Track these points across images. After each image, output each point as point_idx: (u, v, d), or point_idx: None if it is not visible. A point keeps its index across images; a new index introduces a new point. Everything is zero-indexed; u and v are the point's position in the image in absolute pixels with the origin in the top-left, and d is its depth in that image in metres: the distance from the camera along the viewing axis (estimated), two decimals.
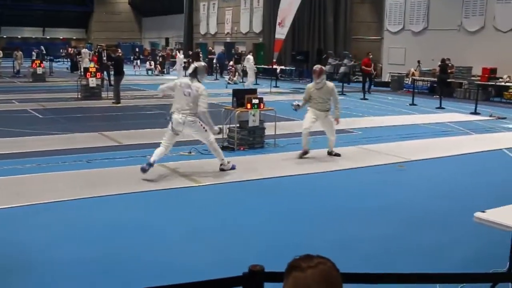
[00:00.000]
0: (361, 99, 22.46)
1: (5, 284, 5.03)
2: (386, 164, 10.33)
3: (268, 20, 36.62)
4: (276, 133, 11.81)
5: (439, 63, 24.20)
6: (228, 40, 43.09)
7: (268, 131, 11.73)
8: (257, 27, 39.25)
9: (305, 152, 10.68)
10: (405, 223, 7.05)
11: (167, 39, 56.46)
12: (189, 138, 11.77)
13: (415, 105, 20.50)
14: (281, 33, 26.47)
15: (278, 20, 26.67)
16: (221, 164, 9.37)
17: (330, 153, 10.90)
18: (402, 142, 12.67)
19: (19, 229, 6.51)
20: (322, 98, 10.46)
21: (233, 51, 34.68)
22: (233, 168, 9.47)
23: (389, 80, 29.01)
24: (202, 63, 9.64)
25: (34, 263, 5.47)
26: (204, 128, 8.98)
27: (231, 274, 2.61)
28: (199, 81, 9.00)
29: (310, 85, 10.79)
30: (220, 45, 43.18)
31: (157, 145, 11.08)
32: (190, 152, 10.75)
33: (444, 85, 23.52)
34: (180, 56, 31.35)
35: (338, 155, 10.87)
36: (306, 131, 10.58)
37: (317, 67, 10.78)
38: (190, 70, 9.21)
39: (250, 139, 11.43)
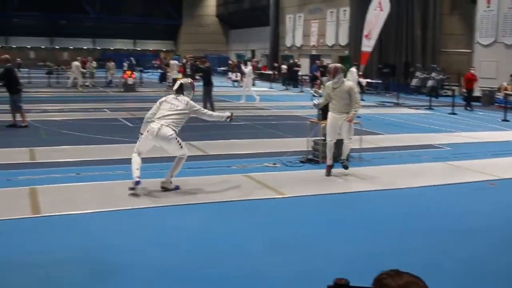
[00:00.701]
0: (450, 113, 21.81)
1: (102, 283, 5.21)
2: (476, 181, 9.97)
3: (354, 32, 36.31)
4: (362, 146, 11.66)
5: None
6: (313, 52, 43.05)
7: (353, 145, 11.58)
8: (343, 40, 39.04)
9: (331, 168, 10.10)
10: (497, 244, 6.77)
11: (253, 51, 57.06)
12: (266, 150, 11.85)
13: (508, 121, 19.69)
14: (367, 45, 26.23)
15: (365, 33, 26.46)
16: (164, 182, 8.69)
17: (342, 162, 10.20)
18: (493, 159, 12.19)
19: (108, 233, 6.75)
20: (340, 98, 9.88)
21: (318, 64, 34.64)
22: (176, 188, 8.74)
23: (480, 95, 28.04)
24: (188, 80, 9.31)
25: (124, 266, 5.66)
26: (180, 144, 8.52)
27: (314, 287, 2.59)
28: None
29: (328, 83, 10.24)
30: (305, 58, 43.22)
31: (241, 156, 11.23)
32: (275, 164, 10.79)
33: None
34: (246, 69, 27.45)
35: (346, 167, 10.16)
36: (331, 143, 10.12)
37: (331, 65, 10.44)
38: (175, 87, 9.03)
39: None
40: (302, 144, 11.68)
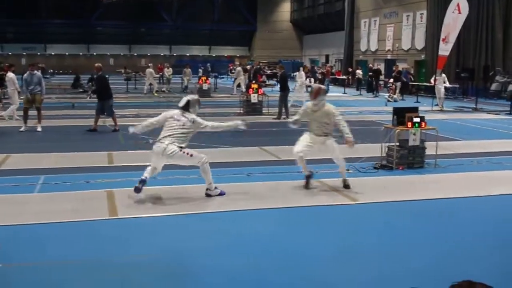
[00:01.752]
0: None
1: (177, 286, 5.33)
2: None
3: (431, 36, 35.54)
4: (438, 153, 11.37)
5: None
6: (388, 57, 42.42)
7: (429, 151, 11.33)
8: (419, 44, 38.24)
9: (309, 177, 9.43)
10: None
11: (327, 56, 56.83)
12: (347, 155, 11.75)
13: None
14: (445, 49, 25.59)
15: (442, 36, 25.81)
16: (207, 189, 8.73)
17: (344, 182, 9.46)
18: None
19: (181, 236, 6.88)
20: (319, 122, 9.26)
21: (393, 68, 34.05)
22: (221, 194, 8.74)
23: None
24: (195, 96, 9.16)
25: (196, 270, 5.76)
26: (188, 154, 8.45)
27: None
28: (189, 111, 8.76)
29: (308, 103, 9.54)
30: (380, 62, 42.60)
31: (313, 161, 11.17)
32: (348, 170, 10.66)
33: None
34: (300, 75, 25.48)
35: (347, 187, 9.38)
36: (299, 155, 9.29)
37: (315, 86, 9.87)
38: (181, 103, 8.78)
39: (409, 159, 11.12)
40: (376, 150, 11.50)
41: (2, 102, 21.19)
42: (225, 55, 70.26)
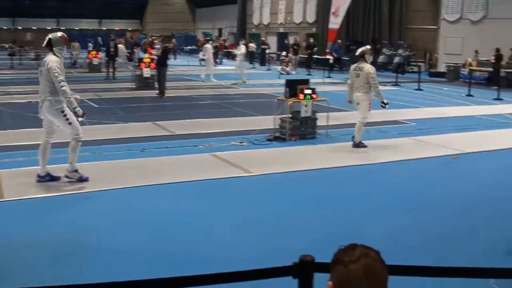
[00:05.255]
0: (416, 89, 22.07)
1: (66, 265, 5.17)
2: (440, 156, 10.12)
3: (322, 9, 36.32)
4: (329, 123, 11.70)
5: (494, 53, 23.58)
6: (281, 30, 42.96)
7: (320, 122, 11.64)
8: (311, 17, 38.99)
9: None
10: (459, 216, 6.91)
11: (220, 30, 56.72)
12: (233, 128, 11.84)
13: (472, 96, 20.00)
14: (335, 22, 26.34)
15: (332, 10, 26.54)
16: (68, 170, 7.89)
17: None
18: (457, 133, 12.38)
19: (75, 213, 6.69)
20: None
21: (286, 42, 34.55)
22: (83, 179, 7.87)
23: (445, 71, 28.39)
24: (59, 34, 7.75)
25: (91, 246, 5.63)
26: (68, 120, 7.63)
27: (283, 265, 2.62)
28: (55, 55, 7.55)
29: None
30: (273, 36, 43.09)
31: (207, 135, 11.18)
32: (242, 142, 10.77)
33: (499, 75, 22.94)
34: (208, 47, 26.52)
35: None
36: None
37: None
38: (44, 43, 7.68)
39: (302, 129, 11.37)
40: (269, 122, 11.68)
41: None
42: (116, 28, 68.33)
